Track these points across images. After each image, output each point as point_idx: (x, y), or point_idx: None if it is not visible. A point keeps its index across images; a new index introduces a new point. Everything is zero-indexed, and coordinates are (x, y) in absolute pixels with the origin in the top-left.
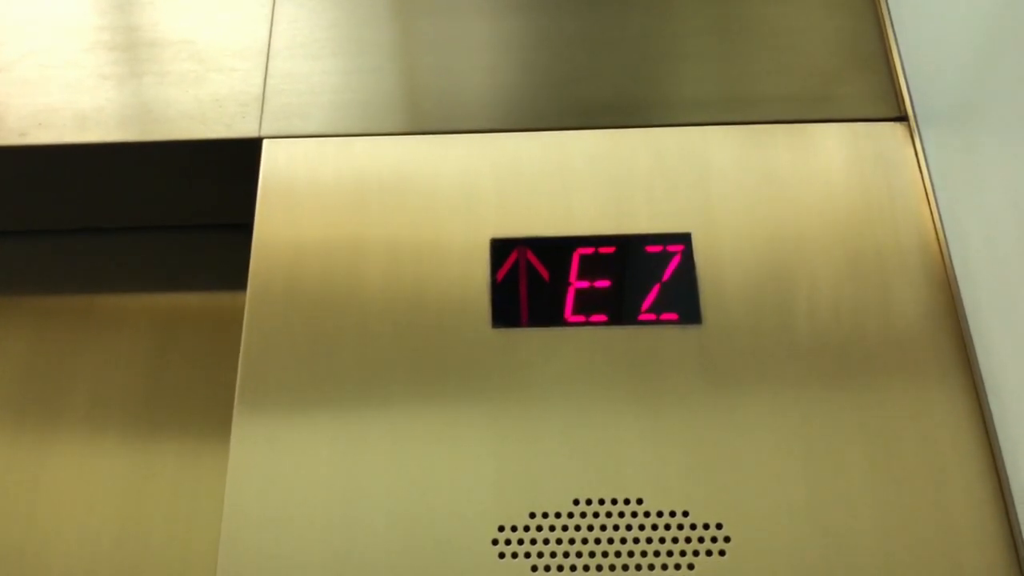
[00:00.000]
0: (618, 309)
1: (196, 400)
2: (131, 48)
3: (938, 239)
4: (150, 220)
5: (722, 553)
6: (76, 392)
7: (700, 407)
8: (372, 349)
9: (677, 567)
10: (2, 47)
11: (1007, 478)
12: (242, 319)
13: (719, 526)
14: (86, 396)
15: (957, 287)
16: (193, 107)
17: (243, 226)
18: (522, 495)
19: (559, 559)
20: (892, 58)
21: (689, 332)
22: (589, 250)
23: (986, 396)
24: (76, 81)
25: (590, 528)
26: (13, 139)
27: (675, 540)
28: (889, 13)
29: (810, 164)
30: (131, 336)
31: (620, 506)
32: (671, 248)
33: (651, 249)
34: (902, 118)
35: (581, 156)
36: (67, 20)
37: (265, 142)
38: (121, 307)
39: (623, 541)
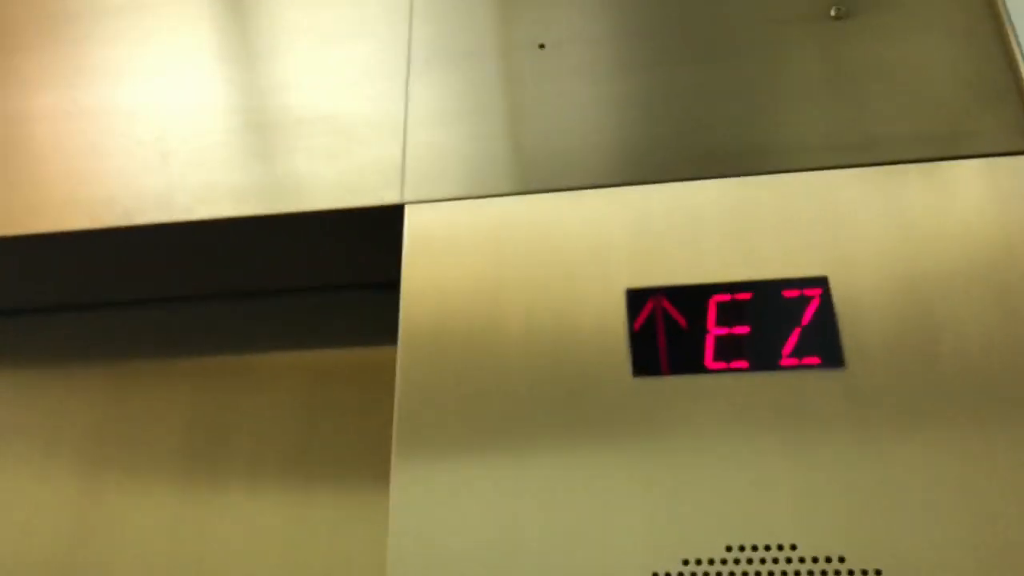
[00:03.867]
0: (759, 354)
1: (349, 452)
2: (279, 127)
3: None
4: (301, 282)
5: None
6: (236, 447)
7: (850, 450)
8: (517, 400)
9: None
10: (169, 134)
11: None
12: (386, 373)
13: (878, 572)
14: (246, 451)
15: None
16: (340, 178)
17: (386, 284)
18: (674, 542)
19: None
20: None
21: (833, 376)
22: (725, 297)
23: None
24: (231, 159)
25: (744, 574)
26: (180, 216)
27: None
28: (1018, 42)
29: (944, 202)
30: (285, 392)
31: (774, 552)
32: (808, 292)
33: (788, 294)
34: None
35: (709, 205)
36: (221, 105)
37: (407, 207)
38: (275, 365)
39: None
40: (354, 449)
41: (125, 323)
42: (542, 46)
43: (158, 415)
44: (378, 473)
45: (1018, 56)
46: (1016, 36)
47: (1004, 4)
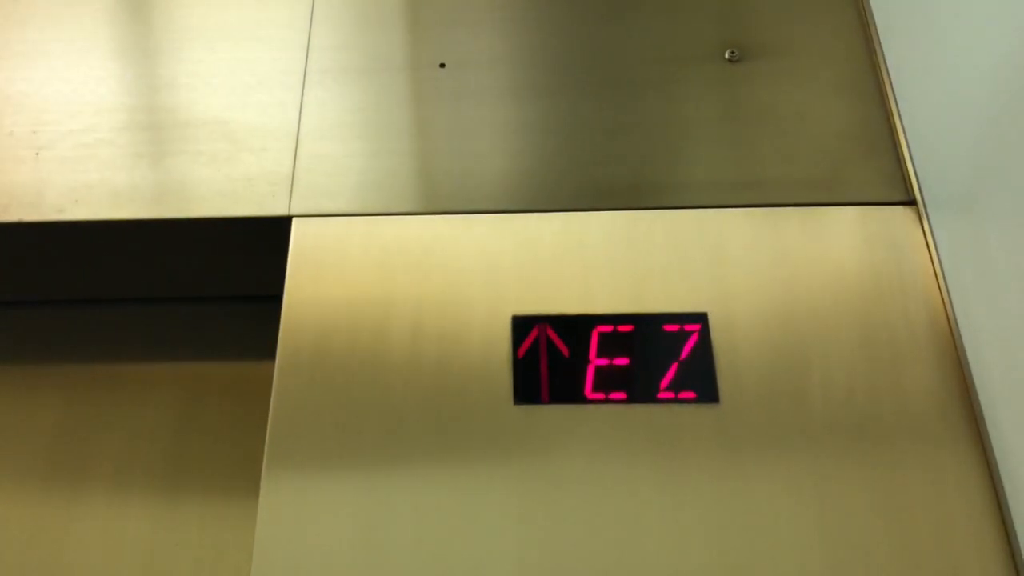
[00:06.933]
0: (637, 387)
1: (220, 463)
2: (166, 128)
3: (948, 318)
4: (181, 291)
5: None
6: (103, 454)
7: (719, 485)
8: (397, 420)
9: None
10: (45, 127)
11: (1019, 548)
12: (267, 388)
13: None
14: (113, 458)
15: (967, 363)
16: (225, 186)
17: (271, 297)
18: (546, 568)
19: None
20: (899, 144)
21: (707, 411)
22: (608, 328)
23: (997, 469)
24: (112, 159)
25: None
26: (52, 215)
27: None
28: (895, 100)
29: (821, 246)
30: (157, 402)
31: None
32: (688, 327)
33: (669, 328)
34: (910, 202)
35: (598, 236)
36: (105, 101)
37: (294, 220)
38: (148, 375)
39: None
40: (225, 461)
41: None
42: (443, 65)
43: (23, 419)
44: (248, 485)
45: (895, 111)
46: (894, 92)
47: (884, 61)
